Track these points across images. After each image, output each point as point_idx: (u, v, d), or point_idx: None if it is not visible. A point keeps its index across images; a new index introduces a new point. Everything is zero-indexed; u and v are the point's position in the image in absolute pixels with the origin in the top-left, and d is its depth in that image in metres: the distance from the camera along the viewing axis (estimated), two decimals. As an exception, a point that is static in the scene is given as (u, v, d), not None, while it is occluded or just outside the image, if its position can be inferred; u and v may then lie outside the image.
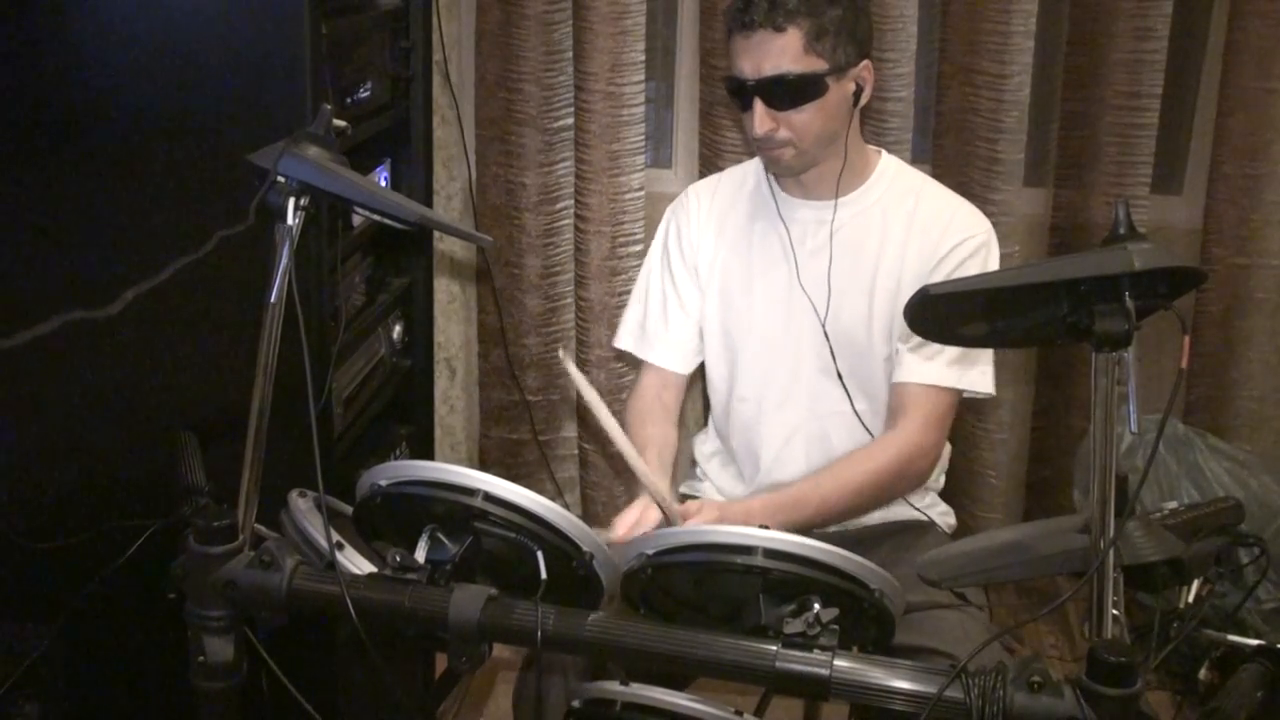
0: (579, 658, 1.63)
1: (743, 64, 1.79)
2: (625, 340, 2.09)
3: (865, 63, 1.83)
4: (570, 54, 2.77)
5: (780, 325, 1.94)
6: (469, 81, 2.87)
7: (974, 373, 1.89)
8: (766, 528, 1.26)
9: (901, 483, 1.91)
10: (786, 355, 1.94)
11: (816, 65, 1.77)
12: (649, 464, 1.79)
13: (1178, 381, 1.29)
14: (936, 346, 1.84)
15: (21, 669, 1.80)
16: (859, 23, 1.82)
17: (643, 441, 1.93)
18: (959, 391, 1.89)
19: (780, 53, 1.76)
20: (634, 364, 2.17)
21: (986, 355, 1.89)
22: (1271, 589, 2.42)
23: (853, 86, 1.83)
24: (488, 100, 2.83)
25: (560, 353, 1.87)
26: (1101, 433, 1.22)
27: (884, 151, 1.98)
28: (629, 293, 2.14)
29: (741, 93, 1.81)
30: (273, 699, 1.51)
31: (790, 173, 1.89)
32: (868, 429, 1.92)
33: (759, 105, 1.79)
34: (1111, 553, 1.21)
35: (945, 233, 1.88)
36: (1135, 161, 2.64)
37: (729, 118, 2.72)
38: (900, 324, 1.85)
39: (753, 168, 2.02)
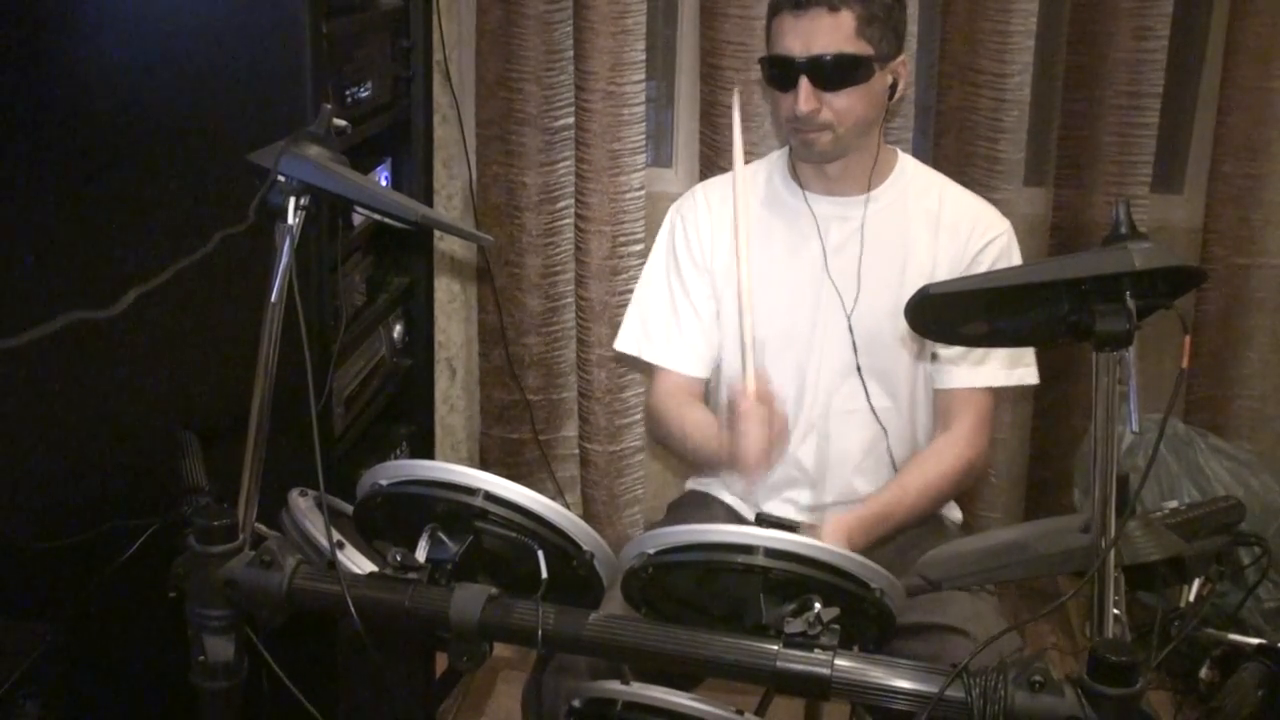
0: (592, 659, 1.61)
1: (790, 42, 1.79)
2: (628, 344, 2.04)
3: (902, 57, 1.85)
4: (570, 53, 2.77)
5: (805, 320, 1.93)
6: (469, 81, 2.87)
7: (1020, 369, 1.94)
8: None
9: (968, 482, 1.97)
10: (810, 350, 1.93)
11: (865, 49, 1.78)
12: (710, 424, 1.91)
13: (1178, 381, 1.29)
14: (982, 350, 1.89)
15: (22, 669, 1.80)
16: (900, 17, 1.85)
17: (690, 418, 1.96)
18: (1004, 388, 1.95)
19: (833, 31, 1.77)
20: (635, 365, 2.15)
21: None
22: (1272, 588, 2.42)
23: (890, 79, 1.84)
24: (488, 100, 2.83)
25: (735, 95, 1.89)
26: (1102, 432, 1.22)
27: (899, 150, 2.01)
28: (630, 292, 2.13)
29: (787, 71, 1.80)
30: (273, 699, 1.51)
31: (823, 159, 1.88)
32: (882, 425, 1.92)
33: (805, 83, 1.78)
34: (1112, 552, 1.21)
35: (973, 233, 1.91)
36: (1135, 161, 2.64)
37: (729, 116, 2.70)
38: None
39: (765, 165, 2.02)
